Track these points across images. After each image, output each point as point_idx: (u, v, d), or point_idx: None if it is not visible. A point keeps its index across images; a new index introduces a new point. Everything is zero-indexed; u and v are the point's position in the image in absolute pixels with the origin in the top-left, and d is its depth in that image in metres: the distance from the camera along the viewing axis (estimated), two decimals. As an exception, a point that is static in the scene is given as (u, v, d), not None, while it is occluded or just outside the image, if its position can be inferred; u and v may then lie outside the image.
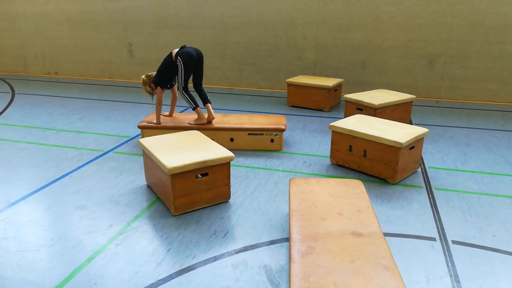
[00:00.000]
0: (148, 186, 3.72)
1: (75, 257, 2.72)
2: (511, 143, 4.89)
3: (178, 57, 4.41)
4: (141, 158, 4.12)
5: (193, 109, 4.57)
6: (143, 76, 4.72)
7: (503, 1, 6.29)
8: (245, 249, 2.82)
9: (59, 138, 4.97)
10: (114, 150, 4.59)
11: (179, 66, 4.42)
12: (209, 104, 4.65)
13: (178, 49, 4.52)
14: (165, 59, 4.58)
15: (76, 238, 2.94)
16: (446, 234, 3.00)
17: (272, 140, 4.56)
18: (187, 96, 4.52)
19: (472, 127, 5.51)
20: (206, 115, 4.62)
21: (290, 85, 6.38)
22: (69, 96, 7.12)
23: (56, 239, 2.92)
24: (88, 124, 5.53)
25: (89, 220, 3.17)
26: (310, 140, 4.95)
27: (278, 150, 4.59)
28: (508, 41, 6.45)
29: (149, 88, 4.68)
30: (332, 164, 4.23)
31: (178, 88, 4.56)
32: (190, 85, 4.58)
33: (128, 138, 4.98)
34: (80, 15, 8.37)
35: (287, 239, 2.89)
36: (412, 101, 5.47)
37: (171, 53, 4.54)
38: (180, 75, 4.45)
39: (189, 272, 2.57)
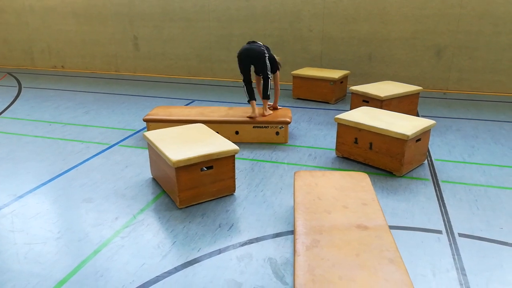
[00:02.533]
0: (154, 179, 3.73)
1: (81, 250, 2.74)
2: (520, 135, 4.83)
3: None
4: (147, 151, 4.13)
5: (248, 101, 4.73)
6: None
7: (513, -10, 6.18)
8: (250, 242, 2.82)
9: (66, 132, 5.00)
10: (120, 144, 4.61)
11: None
12: (253, 101, 4.69)
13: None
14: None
15: (82, 231, 2.96)
16: (453, 227, 2.97)
17: (277, 133, 4.54)
18: (244, 88, 4.75)
19: (480, 119, 5.44)
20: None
21: (296, 77, 6.34)
22: (76, 90, 7.15)
23: (63, 232, 2.94)
24: (94, 118, 5.55)
25: (95, 213, 3.20)
26: (316, 132, 4.92)
27: (284, 143, 4.57)
28: (518, 32, 6.34)
29: None
30: (338, 156, 4.20)
31: None
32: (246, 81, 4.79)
33: (133, 132, 5.00)
34: (86, 8, 8.37)
35: (292, 232, 2.88)
36: (419, 93, 5.41)
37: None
38: None
39: (194, 265, 2.58)
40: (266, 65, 4.61)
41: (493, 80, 6.66)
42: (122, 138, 4.77)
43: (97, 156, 4.26)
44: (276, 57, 4.83)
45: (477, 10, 6.39)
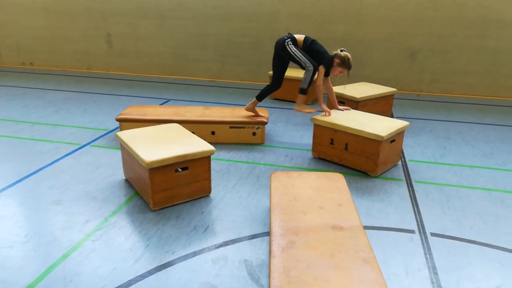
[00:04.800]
0: (127, 181, 3.64)
1: (49, 254, 2.64)
2: (489, 136, 4.98)
3: None
4: (119, 152, 4.03)
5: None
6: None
7: (483, -5, 6.38)
8: (226, 244, 2.79)
9: (34, 132, 4.82)
10: (91, 144, 4.48)
11: None
12: (254, 99, 4.51)
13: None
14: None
15: (51, 234, 2.85)
16: (425, 227, 3.03)
17: (254, 134, 4.52)
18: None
19: (452, 120, 5.58)
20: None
21: (273, 77, 6.32)
22: (45, 88, 6.91)
23: (30, 236, 2.83)
24: (65, 117, 5.37)
25: (65, 215, 3.08)
26: (293, 133, 4.93)
27: (260, 143, 4.56)
28: (488, 35, 6.54)
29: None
30: (314, 157, 4.22)
31: None
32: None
33: (106, 132, 4.86)
34: (57, 4, 8.11)
35: (268, 233, 2.87)
36: (393, 95, 5.50)
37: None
38: None
39: (168, 268, 2.53)
40: (291, 52, 4.17)
41: (464, 83, 6.86)
42: (94, 138, 4.63)
43: (67, 157, 4.12)
44: (338, 53, 4.25)
45: (449, 13, 6.56)
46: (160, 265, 2.55)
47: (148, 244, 2.76)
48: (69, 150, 4.28)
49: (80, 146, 4.41)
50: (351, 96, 5.00)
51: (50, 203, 3.26)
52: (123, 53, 8.12)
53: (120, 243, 2.76)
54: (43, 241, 2.78)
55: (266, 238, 2.84)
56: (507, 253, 2.74)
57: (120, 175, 3.73)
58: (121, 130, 4.49)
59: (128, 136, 3.45)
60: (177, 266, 2.55)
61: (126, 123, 4.45)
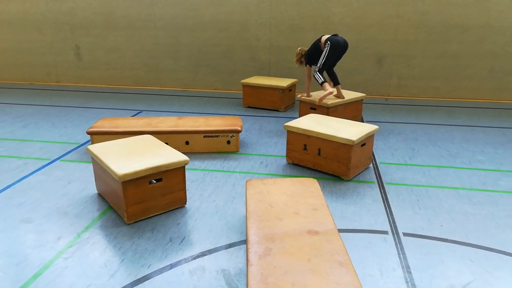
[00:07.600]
0: (99, 195, 3.57)
1: (20, 274, 2.55)
2: (454, 137, 5.18)
3: (328, 42, 4.99)
4: (91, 166, 3.95)
5: (321, 84, 5.01)
6: (299, 48, 5.39)
7: (444, 2, 6.66)
8: (203, 254, 2.77)
9: (1, 148, 4.66)
10: (61, 158, 4.37)
11: (325, 49, 4.96)
12: (339, 86, 5.10)
13: (329, 35, 5.11)
14: (314, 43, 5.24)
15: (21, 253, 2.76)
16: (398, 227, 3.11)
17: (228, 142, 4.53)
18: (318, 76, 5.06)
19: (419, 122, 5.77)
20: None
21: (245, 86, 6.38)
22: (12, 102, 6.70)
23: (-1, 256, 2.73)
24: (33, 132, 5.22)
25: (35, 233, 2.99)
26: (267, 140, 4.97)
27: (235, 151, 4.57)
28: (450, 41, 6.82)
29: (299, 61, 5.39)
30: (288, 163, 4.27)
31: (316, 68, 5.09)
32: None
33: (76, 145, 4.76)
34: (22, 16, 7.91)
35: (245, 242, 2.87)
36: (362, 100, 5.64)
37: (320, 38, 5.17)
38: (322, 57, 4.99)
39: (144, 282, 2.49)
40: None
41: (429, 86, 7.11)
42: (65, 153, 4.52)
43: (36, 173, 4.00)
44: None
45: (412, 20, 6.82)
46: (136, 280, 2.51)
47: (123, 259, 2.71)
48: (38, 166, 4.16)
49: (50, 161, 4.30)
50: (322, 103, 5.08)
51: (20, 221, 3.15)
52: (93, 65, 7.98)
53: (94, 259, 2.70)
54: (13, 261, 2.68)
55: (243, 246, 2.85)
56: (476, 249, 2.84)
57: (93, 190, 3.65)
58: (92, 143, 4.41)
59: (100, 149, 3.39)
60: (153, 280, 2.51)
61: (98, 136, 4.37)
